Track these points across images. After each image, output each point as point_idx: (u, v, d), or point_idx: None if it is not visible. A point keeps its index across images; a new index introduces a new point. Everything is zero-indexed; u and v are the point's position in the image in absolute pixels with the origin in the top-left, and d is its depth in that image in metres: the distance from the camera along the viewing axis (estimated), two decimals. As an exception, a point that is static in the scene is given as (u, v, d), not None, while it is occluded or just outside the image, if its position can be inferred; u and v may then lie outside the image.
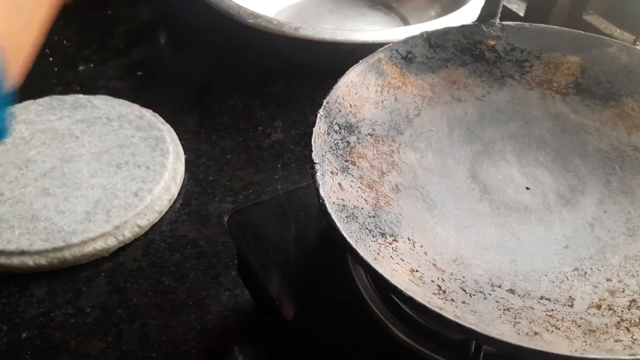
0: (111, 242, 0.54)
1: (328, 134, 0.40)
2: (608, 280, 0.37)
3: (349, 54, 0.65)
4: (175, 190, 0.59)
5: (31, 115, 0.65)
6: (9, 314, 0.49)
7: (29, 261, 0.52)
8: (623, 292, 0.36)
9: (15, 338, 0.48)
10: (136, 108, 0.66)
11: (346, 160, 0.40)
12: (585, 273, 0.37)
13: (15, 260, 0.52)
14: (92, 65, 0.76)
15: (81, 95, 0.68)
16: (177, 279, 0.53)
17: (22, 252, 0.52)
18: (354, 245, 0.33)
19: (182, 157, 0.63)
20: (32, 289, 0.51)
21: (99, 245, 0.53)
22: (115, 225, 0.54)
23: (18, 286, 0.51)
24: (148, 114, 0.66)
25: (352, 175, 0.39)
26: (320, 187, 0.36)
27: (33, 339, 0.48)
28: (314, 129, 0.39)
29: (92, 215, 0.55)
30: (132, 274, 0.53)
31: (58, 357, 0.47)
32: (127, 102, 0.67)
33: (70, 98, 0.67)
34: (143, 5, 0.86)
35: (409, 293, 0.31)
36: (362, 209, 0.37)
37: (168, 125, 0.65)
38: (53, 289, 0.51)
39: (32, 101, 0.66)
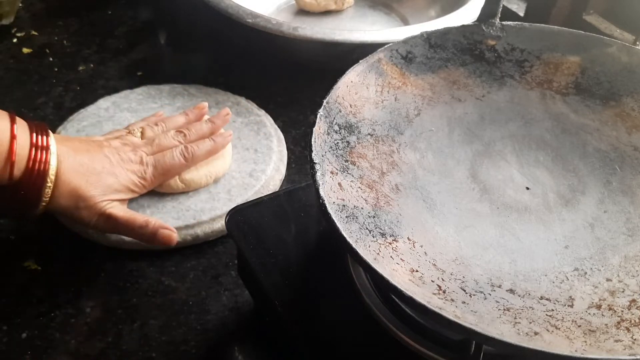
0: None
1: (328, 134, 0.40)
2: (608, 280, 0.37)
3: (349, 54, 0.65)
4: (283, 170, 0.61)
5: (133, 103, 0.66)
6: (9, 314, 0.49)
7: None
8: (623, 292, 0.36)
9: (15, 338, 0.48)
10: (230, 95, 0.68)
11: (346, 160, 0.40)
12: (585, 273, 0.37)
13: None
14: (92, 65, 0.75)
15: (176, 85, 0.69)
16: (177, 279, 0.53)
17: None
18: (354, 245, 0.33)
19: (283, 140, 0.64)
20: (32, 289, 0.51)
21: None
22: (239, 203, 0.55)
23: (18, 287, 0.51)
24: (243, 100, 0.68)
25: (352, 175, 0.39)
26: (320, 187, 0.36)
27: (33, 339, 0.48)
28: (314, 129, 0.39)
29: (214, 194, 0.57)
30: (132, 274, 0.53)
31: (58, 357, 0.47)
32: (220, 91, 0.69)
33: (165, 87, 0.69)
34: (143, 5, 0.86)
35: (409, 293, 0.31)
36: (362, 209, 0.37)
37: (263, 111, 0.67)
38: (53, 289, 0.51)
39: (130, 90, 0.68)
